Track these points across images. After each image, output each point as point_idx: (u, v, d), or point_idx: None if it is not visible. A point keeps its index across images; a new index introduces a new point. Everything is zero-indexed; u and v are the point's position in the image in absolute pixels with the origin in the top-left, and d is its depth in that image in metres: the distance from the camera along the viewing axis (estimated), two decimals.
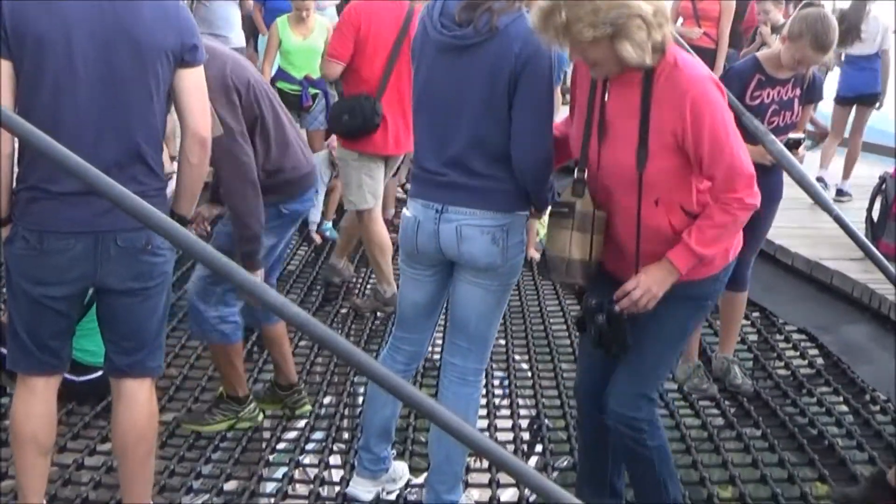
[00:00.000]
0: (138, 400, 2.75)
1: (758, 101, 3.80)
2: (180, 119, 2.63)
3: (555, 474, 3.80)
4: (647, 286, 2.54)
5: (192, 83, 2.60)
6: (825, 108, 7.06)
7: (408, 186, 3.36)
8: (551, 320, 5.37)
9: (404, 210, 2.98)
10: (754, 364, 4.81)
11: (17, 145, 2.50)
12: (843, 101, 7.23)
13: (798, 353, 4.83)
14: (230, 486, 3.52)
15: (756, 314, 5.38)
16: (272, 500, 3.42)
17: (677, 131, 2.46)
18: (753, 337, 5.13)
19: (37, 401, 2.68)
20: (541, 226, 5.89)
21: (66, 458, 3.55)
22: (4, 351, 3.67)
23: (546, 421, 4.13)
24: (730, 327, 4.39)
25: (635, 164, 2.50)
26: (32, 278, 2.57)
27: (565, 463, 4.07)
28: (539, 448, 4.18)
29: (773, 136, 3.43)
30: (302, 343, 4.66)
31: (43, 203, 2.52)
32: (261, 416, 3.94)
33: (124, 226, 2.49)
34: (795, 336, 5.11)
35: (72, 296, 2.64)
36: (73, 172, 1.87)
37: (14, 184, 2.56)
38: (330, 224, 6.79)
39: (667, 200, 2.55)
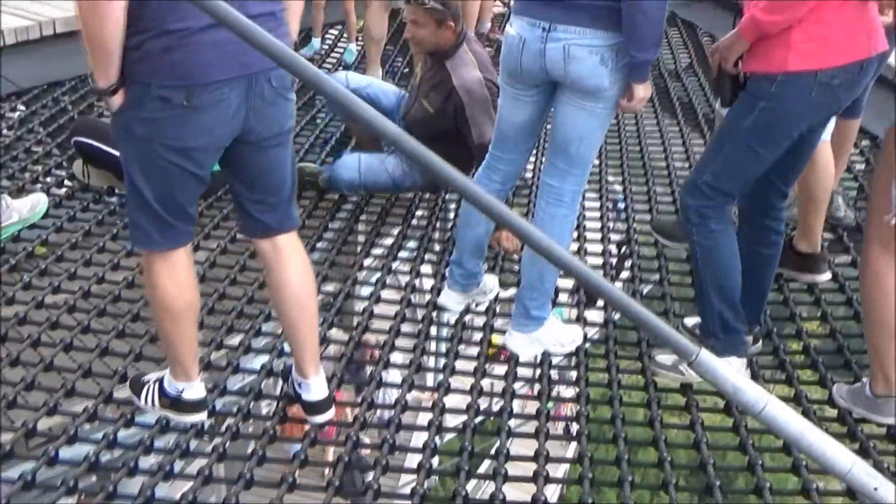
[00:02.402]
0: (300, 251, 2.58)
1: None
2: None
3: (640, 299, 3.84)
4: (719, 45, 2.70)
5: None
6: None
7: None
8: (648, 142, 5.25)
9: (507, 28, 2.88)
10: (858, 195, 4.61)
11: None
12: None
13: None
14: (328, 287, 3.69)
15: (866, 142, 5.08)
16: (367, 302, 3.57)
17: None
18: (861, 166, 4.90)
19: (183, 271, 2.45)
20: None
21: None
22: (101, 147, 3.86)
23: (636, 247, 4.13)
24: (838, 155, 4.17)
25: None
26: (174, 143, 2.23)
27: (650, 287, 4.11)
28: (626, 275, 4.21)
29: None
30: None
31: (185, 50, 2.12)
32: None
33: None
34: None
35: (217, 154, 2.34)
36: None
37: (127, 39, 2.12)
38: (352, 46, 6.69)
39: None
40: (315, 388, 2.67)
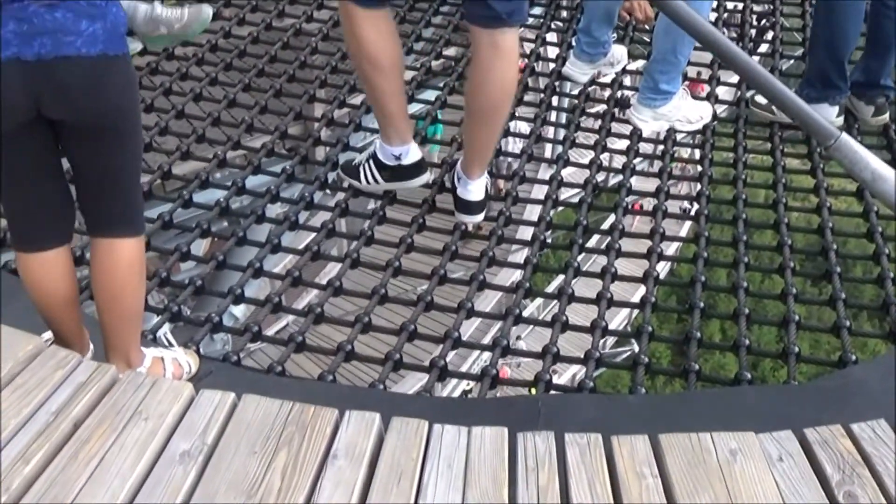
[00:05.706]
0: (515, 54, 2.44)
1: None
2: None
3: (779, 75, 3.64)
4: None
5: None
6: None
7: None
8: None
9: None
10: None
11: None
12: None
13: None
14: (449, 52, 3.63)
15: None
16: None
17: None
18: None
19: (385, 23, 2.42)
20: None
21: (296, 10, 3.73)
22: None
23: (780, 18, 3.86)
24: None
25: None
26: None
27: (790, 64, 3.87)
28: (765, 48, 3.98)
29: None
30: None
31: None
32: None
33: None
34: None
35: None
36: None
37: None
38: None
39: None
40: (474, 189, 2.65)
